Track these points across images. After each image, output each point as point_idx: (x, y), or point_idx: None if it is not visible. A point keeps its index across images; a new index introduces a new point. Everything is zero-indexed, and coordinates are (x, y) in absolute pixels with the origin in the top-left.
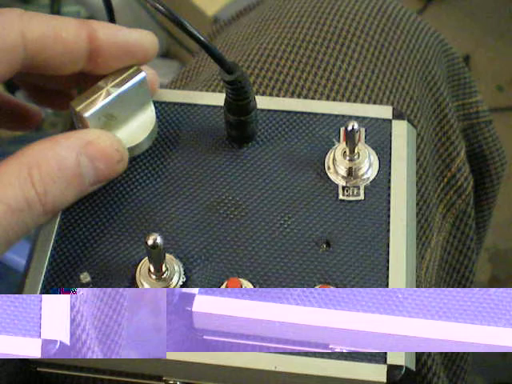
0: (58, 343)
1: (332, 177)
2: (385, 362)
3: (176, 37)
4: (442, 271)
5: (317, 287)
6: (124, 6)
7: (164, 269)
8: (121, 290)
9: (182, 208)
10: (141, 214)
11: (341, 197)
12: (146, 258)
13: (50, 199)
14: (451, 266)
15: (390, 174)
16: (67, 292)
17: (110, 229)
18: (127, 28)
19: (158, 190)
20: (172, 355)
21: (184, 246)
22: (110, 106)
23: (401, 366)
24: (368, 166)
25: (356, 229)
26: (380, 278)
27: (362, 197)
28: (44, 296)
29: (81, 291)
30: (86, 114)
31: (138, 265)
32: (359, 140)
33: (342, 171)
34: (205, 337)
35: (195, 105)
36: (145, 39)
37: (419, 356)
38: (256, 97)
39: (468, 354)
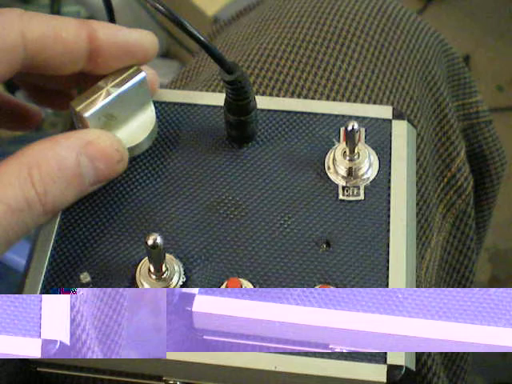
0: (58, 343)
1: (332, 177)
2: (385, 362)
3: (176, 37)
4: (442, 271)
5: (317, 287)
6: (124, 6)
7: (164, 269)
8: (121, 290)
9: (182, 208)
10: (141, 214)
11: (341, 197)
12: (146, 258)
13: (50, 199)
14: (451, 266)
15: (390, 174)
16: (67, 292)
17: (110, 229)
18: (127, 28)
19: (158, 190)
20: (172, 355)
21: (184, 246)
22: (110, 106)
23: (401, 366)
24: (368, 165)
25: (356, 229)
26: (380, 278)
27: (361, 197)
28: (44, 296)
29: (81, 291)
30: (86, 114)
31: (138, 265)
32: (359, 140)
33: (342, 171)
34: (205, 337)
35: (195, 105)
36: (145, 39)
37: (419, 356)
38: (256, 97)
39: (468, 354)
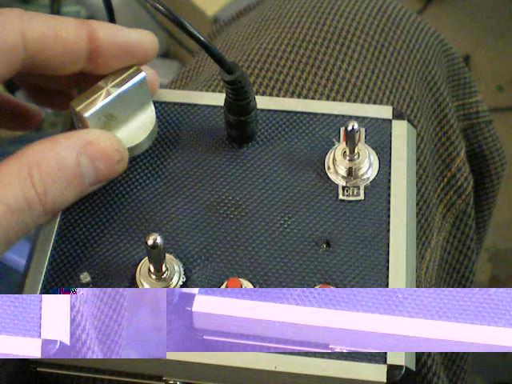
0: (58, 343)
1: (332, 177)
2: (385, 362)
3: (176, 37)
4: (442, 271)
5: (317, 287)
6: (124, 6)
7: (164, 269)
8: (121, 290)
9: (182, 208)
10: (141, 214)
11: (341, 197)
12: (146, 258)
13: (50, 199)
14: (451, 266)
15: (390, 174)
16: (67, 292)
17: (110, 229)
18: (127, 28)
19: (158, 190)
20: (172, 355)
21: (184, 246)
22: (110, 106)
23: (401, 366)
24: (368, 166)
25: (356, 229)
26: (380, 278)
27: (362, 197)
28: (44, 296)
29: (81, 291)
30: (86, 114)
31: (138, 265)
32: (359, 140)
33: (342, 171)
34: (205, 337)
35: (195, 105)
36: (145, 39)
37: (419, 356)
38: (256, 97)
39: (468, 354)
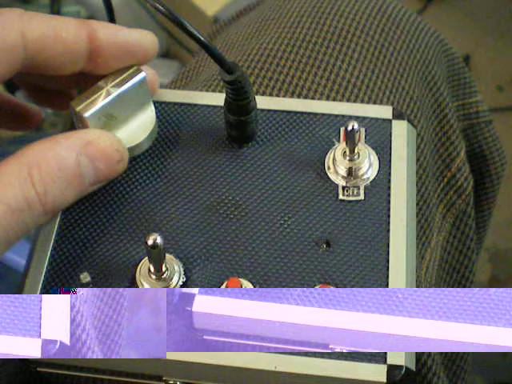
0: (58, 343)
1: (332, 177)
2: (385, 362)
3: (176, 37)
4: (442, 271)
5: (317, 287)
6: (124, 6)
7: (164, 269)
8: (121, 290)
9: (182, 208)
10: (141, 214)
11: (341, 197)
12: (146, 258)
13: (50, 199)
14: (451, 266)
15: (390, 174)
16: (67, 292)
17: (110, 229)
18: (127, 28)
19: (158, 190)
20: (172, 355)
21: (184, 246)
22: (110, 106)
23: (401, 366)
24: (368, 165)
25: (356, 229)
26: (380, 278)
27: (362, 197)
28: (44, 296)
29: (81, 291)
30: (86, 114)
31: (138, 265)
32: (359, 140)
33: (342, 171)
34: (205, 337)
35: (195, 105)
36: (145, 39)
37: (419, 356)
38: (256, 97)
39: (468, 354)
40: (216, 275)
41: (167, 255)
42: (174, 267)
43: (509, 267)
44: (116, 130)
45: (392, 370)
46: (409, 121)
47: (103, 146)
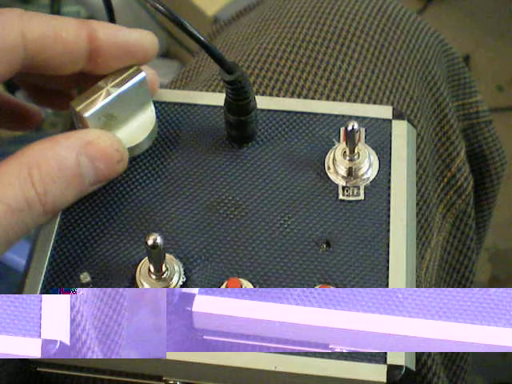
0: (58, 343)
1: (332, 177)
2: (385, 362)
3: (176, 37)
4: (442, 271)
5: (317, 287)
6: (124, 6)
7: (164, 269)
8: (121, 290)
9: (182, 208)
10: (141, 214)
11: (341, 197)
12: (146, 258)
13: (50, 199)
14: (451, 266)
15: (390, 174)
16: (67, 292)
17: (110, 229)
18: (127, 28)
19: (158, 190)
20: (172, 355)
21: (184, 246)
22: (110, 106)
23: (401, 366)
24: (368, 166)
25: (356, 229)
26: (380, 278)
27: (362, 197)
28: (44, 296)
29: (81, 291)
30: (86, 114)
31: (138, 265)
32: (359, 140)
33: (342, 171)
34: (205, 337)
35: (195, 105)
36: (145, 39)
37: (419, 356)
38: (256, 97)
39: (468, 354)
40: (216, 275)
41: (167, 255)
42: (174, 267)
43: (509, 267)
44: (116, 129)
45: (392, 370)
46: (409, 121)
47: (103, 146)
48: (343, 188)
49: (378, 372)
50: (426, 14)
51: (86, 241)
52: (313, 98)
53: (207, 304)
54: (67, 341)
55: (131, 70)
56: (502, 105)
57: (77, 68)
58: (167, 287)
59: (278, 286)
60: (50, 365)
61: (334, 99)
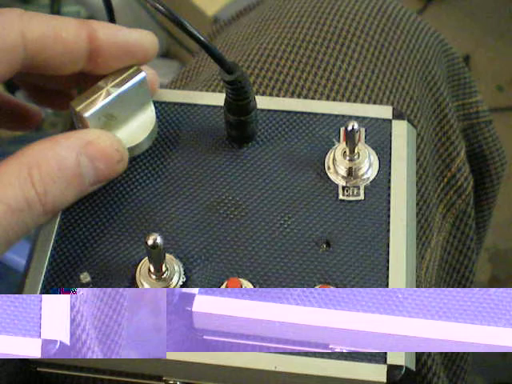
0: (58, 343)
1: (332, 177)
2: (385, 362)
3: (176, 37)
4: (442, 271)
5: (317, 287)
6: (124, 6)
7: (164, 269)
8: (121, 290)
9: (182, 208)
10: (141, 214)
11: (341, 197)
12: (146, 258)
13: (50, 199)
14: (451, 266)
15: (390, 174)
16: (67, 292)
17: (110, 229)
18: (127, 28)
19: (158, 190)
20: (172, 355)
21: (184, 246)
22: (110, 106)
23: (401, 366)
24: (368, 166)
25: (356, 229)
26: (380, 278)
27: (362, 197)
28: (44, 296)
29: (81, 291)
30: (86, 114)
31: (138, 265)
32: (359, 140)
33: (342, 171)
34: (205, 337)
35: (195, 105)
36: (145, 39)
37: (419, 356)
38: (256, 97)
39: (468, 354)
40: (216, 275)
41: (167, 255)
42: (174, 267)
43: (509, 267)
44: (116, 129)
45: (392, 369)
46: (409, 121)
47: (103, 146)
48: (343, 188)
49: (378, 372)
50: (426, 13)
51: (86, 241)
52: (313, 98)
53: (207, 304)
54: (67, 341)
55: (131, 70)
56: (502, 105)
57: (77, 68)
58: (167, 287)
59: (278, 285)
60: (50, 365)
61: (334, 99)
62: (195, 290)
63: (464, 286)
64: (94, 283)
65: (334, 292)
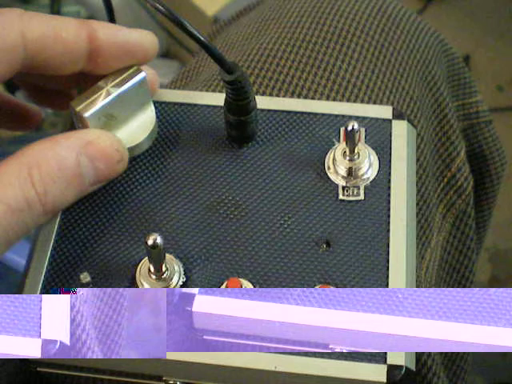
0: (58, 343)
1: (332, 177)
2: (385, 362)
3: (176, 37)
4: (442, 271)
5: (317, 287)
6: (124, 6)
7: (164, 269)
8: (121, 289)
9: (182, 208)
10: (141, 214)
11: (341, 197)
12: (146, 258)
13: (50, 199)
14: (451, 266)
15: (390, 174)
16: (67, 292)
17: (110, 229)
18: (127, 28)
19: (158, 190)
20: (172, 355)
21: (184, 246)
22: (110, 106)
23: (401, 366)
24: (368, 166)
25: (356, 229)
26: (380, 278)
27: (362, 197)
28: (44, 296)
29: (81, 291)
30: (86, 114)
31: (138, 265)
32: (359, 140)
33: (342, 171)
34: (205, 337)
35: (195, 105)
36: (145, 39)
37: (419, 356)
38: (256, 97)
39: (468, 354)
40: (216, 275)
41: (167, 255)
42: (174, 267)
43: (509, 267)
44: (116, 129)
45: (392, 369)
46: (409, 121)
47: (103, 146)
48: (343, 188)
49: (378, 372)
50: (426, 14)
51: (86, 241)
52: (313, 98)
53: (207, 304)
54: (67, 341)
55: (131, 70)
56: (502, 105)
57: (77, 68)
58: (167, 287)
59: (278, 285)
60: (50, 365)
61: (334, 99)
62: (195, 290)
63: (464, 286)
64: (94, 283)
65: (333, 292)
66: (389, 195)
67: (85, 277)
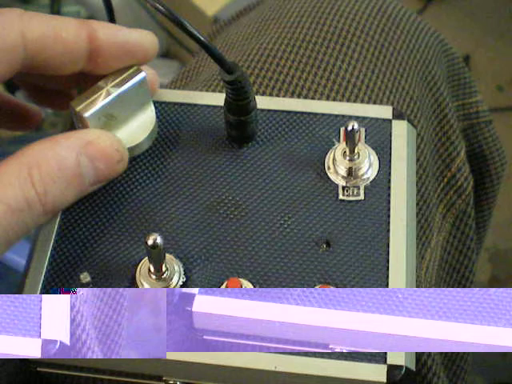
0: (58, 343)
1: (332, 177)
2: (385, 362)
3: (176, 37)
4: (442, 271)
5: (317, 287)
6: (124, 6)
7: (164, 269)
8: (121, 289)
9: (182, 208)
10: (141, 214)
11: (341, 197)
12: (146, 258)
13: (50, 199)
14: (451, 266)
15: (390, 174)
16: (67, 292)
17: (110, 229)
18: (127, 28)
19: (158, 190)
20: (172, 355)
21: (184, 246)
22: (110, 106)
23: (401, 366)
24: (368, 165)
25: (356, 229)
26: (380, 278)
27: (361, 197)
28: (44, 296)
29: (81, 291)
30: (86, 114)
31: (138, 265)
32: (359, 140)
33: (342, 171)
34: (205, 337)
35: (195, 105)
36: (145, 39)
37: (419, 356)
38: (256, 97)
39: (468, 354)
40: (216, 275)
41: (167, 255)
42: (174, 267)
43: (509, 267)
44: (116, 129)
45: (392, 369)
46: (409, 121)
47: (103, 146)
48: (343, 188)
49: (378, 372)
50: (426, 13)
51: (86, 241)
52: (313, 98)
53: (207, 304)
54: (67, 341)
55: (131, 70)
56: (502, 105)
57: (77, 68)
58: (167, 287)
59: (278, 285)
60: (50, 365)
61: (334, 99)
62: (195, 290)
63: (464, 286)
64: (94, 283)
65: (333, 292)
66: (389, 195)
67: (85, 277)
